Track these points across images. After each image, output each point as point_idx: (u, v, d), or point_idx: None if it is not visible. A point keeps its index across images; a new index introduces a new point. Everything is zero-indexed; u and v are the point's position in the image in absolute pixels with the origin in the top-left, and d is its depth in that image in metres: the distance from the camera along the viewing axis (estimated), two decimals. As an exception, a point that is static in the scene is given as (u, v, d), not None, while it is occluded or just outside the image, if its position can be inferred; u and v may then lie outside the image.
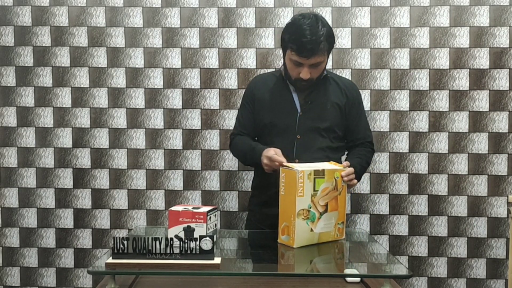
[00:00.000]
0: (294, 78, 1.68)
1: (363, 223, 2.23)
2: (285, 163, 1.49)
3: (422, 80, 2.19)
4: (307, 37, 1.55)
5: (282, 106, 1.73)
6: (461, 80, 2.18)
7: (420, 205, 2.21)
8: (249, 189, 1.99)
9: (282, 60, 2.17)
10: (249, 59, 2.20)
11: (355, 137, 1.82)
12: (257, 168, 1.81)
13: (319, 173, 1.44)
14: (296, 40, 1.58)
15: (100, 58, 2.23)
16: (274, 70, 1.90)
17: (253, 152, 1.69)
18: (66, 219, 2.26)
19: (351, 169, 1.56)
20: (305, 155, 1.67)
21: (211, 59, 2.21)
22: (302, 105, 1.73)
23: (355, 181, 1.59)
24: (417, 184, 2.21)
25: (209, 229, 1.39)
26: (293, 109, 1.73)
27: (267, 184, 1.72)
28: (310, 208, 1.42)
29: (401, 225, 2.22)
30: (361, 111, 1.85)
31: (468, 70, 2.17)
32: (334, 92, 1.77)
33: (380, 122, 2.20)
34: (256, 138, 1.83)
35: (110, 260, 1.17)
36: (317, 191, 1.43)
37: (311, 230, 1.43)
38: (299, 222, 1.40)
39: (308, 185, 1.41)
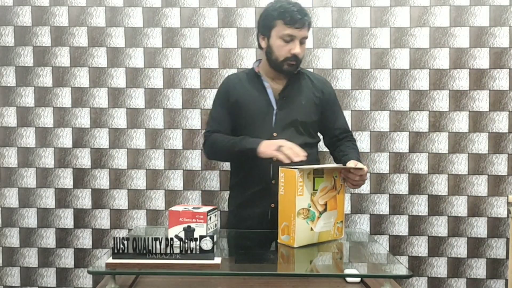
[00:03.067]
0: (282, 58, 1.67)
1: (363, 223, 2.23)
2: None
3: (422, 80, 2.19)
4: (296, 7, 1.64)
5: (257, 104, 1.72)
6: (461, 80, 2.18)
7: (420, 205, 2.21)
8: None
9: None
10: (249, 59, 2.20)
11: (334, 132, 1.83)
12: (236, 166, 1.80)
13: (318, 172, 1.44)
14: (288, 11, 1.62)
15: (100, 58, 2.23)
16: (246, 69, 1.89)
17: (244, 141, 1.64)
18: (66, 219, 2.26)
19: (363, 171, 1.54)
20: None
21: (211, 59, 2.21)
22: (278, 101, 1.72)
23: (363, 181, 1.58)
24: (417, 184, 2.21)
25: (209, 229, 1.39)
26: (269, 105, 1.72)
27: (245, 183, 1.72)
28: (310, 207, 1.42)
29: (401, 225, 2.22)
30: (337, 106, 1.86)
31: (468, 70, 2.17)
32: (309, 88, 1.77)
33: (380, 122, 2.20)
34: None
35: (110, 260, 1.17)
36: (317, 190, 1.43)
37: (311, 229, 1.43)
38: (299, 221, 1.40)
39: (307, 184, 1.41)
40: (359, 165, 1.55)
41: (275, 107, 1.72)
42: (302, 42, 1.67)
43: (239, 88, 1.76)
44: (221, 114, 1.78)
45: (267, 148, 1.55)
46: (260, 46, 1.76)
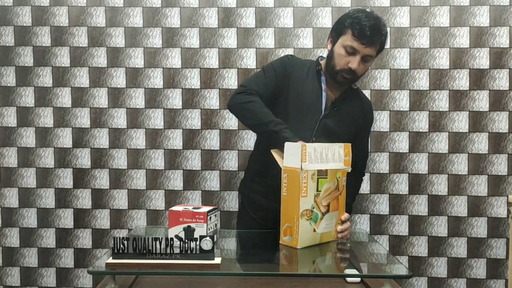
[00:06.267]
0: (339, 68, 1.60)
1: (363, 223, 2.23)
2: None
3: (422, 80, 2.19)
4: (371, 22, 1.54)
5: (308, 101, 1.66)
6: (461, 80, 2.18)
7: (420, 205, 2.21)
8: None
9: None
10: (249, 59, 2.20)
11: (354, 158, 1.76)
12: (260, 153, 1.74)
13: (322, 173, 1.43)
14: (360, 24, 1.54)
15: (100, 58, 2.23)
16: (310, 60, 1.80)
17: (284, 127, 1.53)
18: (66, 219, 2.27)
19: (348, 225, 1.54)
20: None
21: (211, 59, 2.21)
22: (327, 108, 1.67)
23: (348, 236, 1.57)
24: (417, 184, 2.21)
25: (209, 229, 1.39)
26: (318, 108, 1.66)
27: (271, 173, 1.64)
28: (313, 208, 1.42)
29: (401, 225, 2.22)
30: (368, 135, 1.85)
31: (468, 70, 2.17)
32: (357, 109, 1.74)
33: (380, 122, 2.20)
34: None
35: (110, 260, 1.17)
36: (320, 191, 1.43)
37: (314, 230, 1.43)
38: (303, 222, 1.40)
39: (311, 185, 1.40)
40: (347, 217, 1.54)
41: (323, 112, 1.66)
42: (365, 59, 1.59)
43: (299, 74, 1.67)
44: (269, 82, 1.65)
45: None
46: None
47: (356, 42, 1.55)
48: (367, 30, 1.53)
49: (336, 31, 1.63)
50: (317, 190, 1.42)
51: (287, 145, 1.43)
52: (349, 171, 1.53)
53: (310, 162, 1.40)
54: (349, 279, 1.27)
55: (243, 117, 1.65)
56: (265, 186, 1.72)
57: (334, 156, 1.47)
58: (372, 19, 1.56)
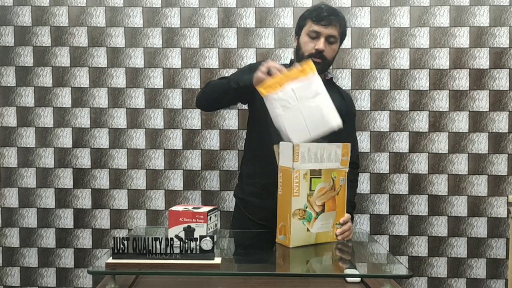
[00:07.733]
0: (307, 54, 1.67)
1: (363, 223, 2.23)
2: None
3: (422, 80, 2.19)
4: (327, 7, 1.68)
5: None
6: (461, 80, 2.18)
7: (420, 205, 2.21)
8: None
9: (281, 60, 2.18)
10: (249, 59, 2.20)
11: None
12: (252, 155, 1.76)
13: (315, 173, 1.43)
14: (316, 9, 1.68)
15: (100, 58, 2.23)
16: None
17: (241, 73, 1.60)
18: (66, 219, 2.27)
19: (348, 226, 1.53)
20: None
21: (211, 59, 2.21)
22: None
23: (350, 236, 1.56)
24: (417, 184, 2.21)
25: (209, 229, 1.39)
26: None
27: (260, 173, 1.69)
28: (306, 208, 1.42)
29: (401, 225, 2.22)
30: (354, 125, 1.88)
31: (468, 70, 2.18)
32: (337, 98, 1.75)
33: (380, 122, 2.20)
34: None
35: (110, 260, 1.17)
36: (313, 191, 1.43)
37: (308, 230, 1.43)
38: (295, 222, 1.40)
39: (303, 185, 1.40)
40: (346, 219, 1.53)
41: None
42: (330, 41, 1.68)
43: None
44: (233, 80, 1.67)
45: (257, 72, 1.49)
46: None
47: (316, 25, 1.66)
48: (323, 11, 1.66)
49: (298, 27, 1.75)
50: (310, 190, 1.42)
51: (282, 144, 1.44)
52: (347, 171, 1.53)
53: (303, 162, 1.40)
54: (349, 279, 1.27)
55: (206, 100, 1.74)
56: (258, 187, 1.74)
57: (330, 156, 1.47)
58: (327, 5, 1.71)
